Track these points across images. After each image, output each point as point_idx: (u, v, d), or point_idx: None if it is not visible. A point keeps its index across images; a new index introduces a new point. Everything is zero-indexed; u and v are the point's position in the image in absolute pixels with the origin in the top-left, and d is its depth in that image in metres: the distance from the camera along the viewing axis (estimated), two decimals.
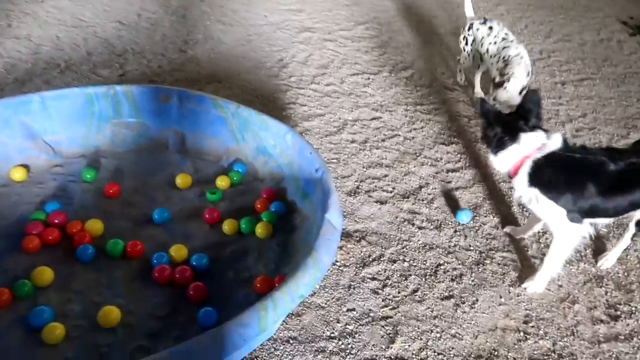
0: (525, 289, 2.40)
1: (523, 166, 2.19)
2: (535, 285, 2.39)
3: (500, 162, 2.27)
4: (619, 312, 2.34)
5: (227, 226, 2.44)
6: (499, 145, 2.24)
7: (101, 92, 2.77)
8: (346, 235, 2.60)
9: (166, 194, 2.65)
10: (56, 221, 2.32)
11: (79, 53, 3.85)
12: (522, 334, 2.21)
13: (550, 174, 2.15)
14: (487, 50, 3.46)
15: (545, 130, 2.22)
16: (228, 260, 2.31)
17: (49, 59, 3.72)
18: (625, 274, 2.54)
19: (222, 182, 2.70)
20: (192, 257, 2.25)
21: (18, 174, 2.56)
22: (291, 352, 2.03)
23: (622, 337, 2.23)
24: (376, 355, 2.06)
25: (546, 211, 2.21)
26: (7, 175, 2.56)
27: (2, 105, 2.60)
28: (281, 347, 2.05)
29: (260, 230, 2.41)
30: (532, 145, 2.18)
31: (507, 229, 2.72)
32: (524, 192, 2.24)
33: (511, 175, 2.27)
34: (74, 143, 2.77)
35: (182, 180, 2.69)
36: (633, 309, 2.36)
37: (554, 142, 2.17)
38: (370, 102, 3.72)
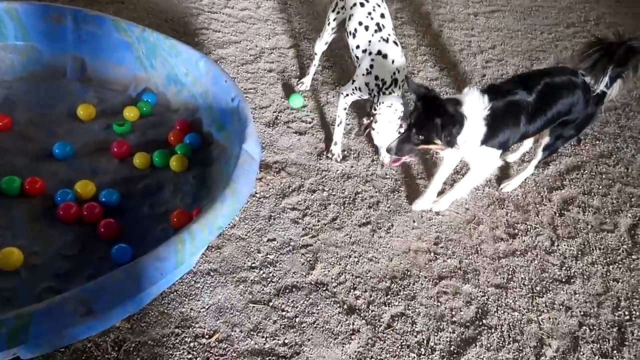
0: (433, 210, 2.56)
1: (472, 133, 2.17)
2: (441, 205, 2.56)
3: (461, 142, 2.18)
4: (516, 231, 2.57)
5: (139, 160, 2.31)
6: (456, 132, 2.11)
7: None
8: (265, 166, 2.57)
9: (67, 126, 2.43)
10: None
11: None
12: (432, 254, 2.36)
13: (497, 127, 2.20)
14: None
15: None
16: (141, 195, 2.20)
17: None
18: (524, 196, 2.77)
19: (130, 113, 2.52)
20: (101, 193, 2.12)
21: None
22: (212, 284, 2.02)
23: (519, 253, 2.46)
24: (297, 282, 2.11)
25: (487, 155, 2.32)
26: None
27: None
28: (202, 280, 2.03)
29: (175, 163, 2.31)
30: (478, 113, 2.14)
31: None
32: (472, 151, 2.29)
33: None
34: None
35: (84, 111, 2.47)
36: (529, 227, 2.60)
37: (474, 98, 2.14)
38: (288, 29, 3.58)
